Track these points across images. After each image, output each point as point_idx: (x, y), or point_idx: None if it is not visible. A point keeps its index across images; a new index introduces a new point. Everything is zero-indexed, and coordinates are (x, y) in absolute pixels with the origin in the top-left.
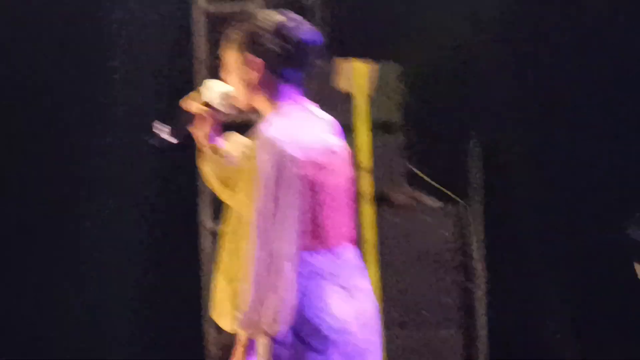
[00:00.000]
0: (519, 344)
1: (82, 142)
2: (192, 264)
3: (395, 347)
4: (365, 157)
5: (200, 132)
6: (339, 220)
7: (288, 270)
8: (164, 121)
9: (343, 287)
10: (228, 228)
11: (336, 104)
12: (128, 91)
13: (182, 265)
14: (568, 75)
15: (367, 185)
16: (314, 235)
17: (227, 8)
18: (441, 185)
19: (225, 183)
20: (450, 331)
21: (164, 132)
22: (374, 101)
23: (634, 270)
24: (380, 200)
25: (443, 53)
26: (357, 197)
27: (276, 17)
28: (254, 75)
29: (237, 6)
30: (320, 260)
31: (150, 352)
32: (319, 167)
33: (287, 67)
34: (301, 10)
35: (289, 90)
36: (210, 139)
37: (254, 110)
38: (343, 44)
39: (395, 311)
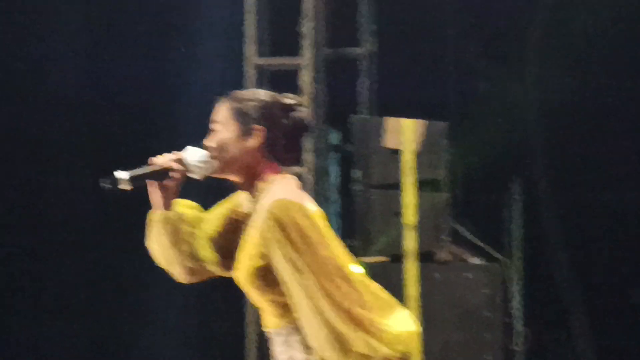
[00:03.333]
0: None
1: None
2: None
3: None
4: (411, 214)
5: (157, 190)
6: None
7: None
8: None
9: None
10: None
11: (385, 161)
12: None
13: None
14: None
15: (411, 242)
16: None
17: (276, 62)
18: (483, 243)
19: (179, 248)
20: None
21: (122, 178)
22: (420, 159)
23: None
24: (424, 257)
25: (487, 108)
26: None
27: (282, 95)
28: (252, 144)
29: (287, 60)
30: None
31: None
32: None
33: (284, 142)
34: (352, 66)
35: (276, 165)
36: (166, 201)
37: (225, 177)
38: (391, 101)
39: None
